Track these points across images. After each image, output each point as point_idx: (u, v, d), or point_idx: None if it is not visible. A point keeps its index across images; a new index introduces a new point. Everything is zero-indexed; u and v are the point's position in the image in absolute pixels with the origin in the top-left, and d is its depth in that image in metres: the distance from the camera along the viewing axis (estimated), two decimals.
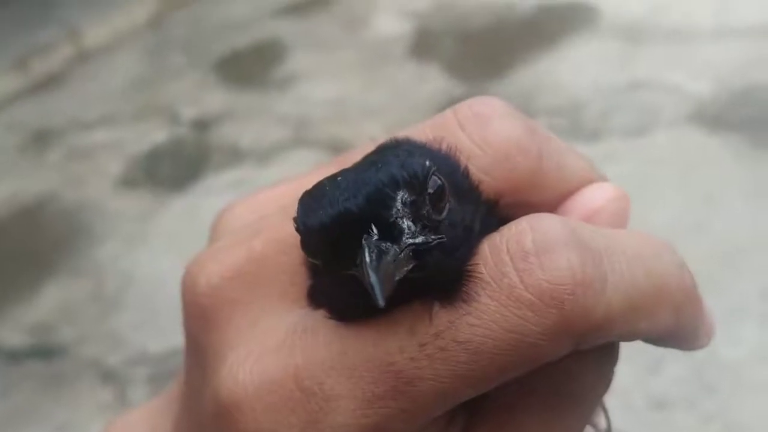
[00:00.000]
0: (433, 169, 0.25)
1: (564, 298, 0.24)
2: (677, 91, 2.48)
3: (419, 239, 0.24)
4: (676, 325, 0.28)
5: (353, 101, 2.83)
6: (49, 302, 2.27)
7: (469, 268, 0.26)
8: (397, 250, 0.23)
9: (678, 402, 1.63)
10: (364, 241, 0.23)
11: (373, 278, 0.23)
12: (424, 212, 0.25)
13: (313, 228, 0.25)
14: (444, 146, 0.29)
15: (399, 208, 0.24)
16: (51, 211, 2.68)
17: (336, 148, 2.45)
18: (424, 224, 0.25)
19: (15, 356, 2.14)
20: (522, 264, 0.25)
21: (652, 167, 2.20)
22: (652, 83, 2.55)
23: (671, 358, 1.68)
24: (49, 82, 3.55)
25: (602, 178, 0.32)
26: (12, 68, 3.55)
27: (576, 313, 0.25)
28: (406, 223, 0.24)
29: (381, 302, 0.23)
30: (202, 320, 0.30)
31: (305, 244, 0.26)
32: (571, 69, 2.75)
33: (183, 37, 3.72)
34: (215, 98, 3.13)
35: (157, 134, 2.98)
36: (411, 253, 0.24)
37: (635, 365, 1.68)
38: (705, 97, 2.42)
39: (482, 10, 3.26)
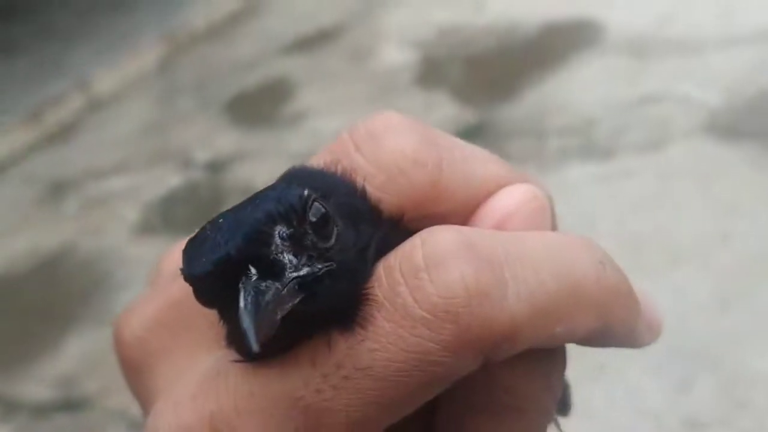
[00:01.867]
0: (312, 197, 0.25)
1: (458, 312, 0.24)
2: (688, 103, 2.46)
3: (303, 271, 0.24)
4: (605, 325, 0.27)
5: None
6: (73, 354, 2.27)
7: (365, 291, 0.25)
8: (279, 286, 0.23)
9: (713, 422, 1.60)
10: (240, 285, 0.23)
11: (246, 323, 0.22)
12: (308, 242, 0.24)
13: (198, 276, 0.24)
14: (339, 169, 0.28)
15: (278, 243, 0.24)
16: (70, 262, 2.69)
17: None
18: (310, 254, 0.24)
19: (41, 410, 2.13)
20: (413, 281, 0.24)
21: (669, 181, 2.18)
22: (662, 96, 2.54)
23: (699, 375, 1.65)
24: (62, 133, 3.59)
25: (518, 180, 0.30)
26: (25, 121, 3.59)
27: (474, 325, 0.24)
28: (287, 258, 0.24)
29: (255, 347, 0.22)
30: (132, 372, 0.31)
31: (196, 293, 0.25)
32: (579, 87, 2.74)
33: (192, 80, 3.75)
34: (227, 139, 3.15)
35: (171, 179, 3.00)
36: (296, 287, 0.23)
37: (663, 386, 1.66)
38: (717, 106, 2.40)
39: (486, 35, 3.27)
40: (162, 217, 2.81)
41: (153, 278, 0.34)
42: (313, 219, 0.25)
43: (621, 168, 2.26)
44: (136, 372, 0.30)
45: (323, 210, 0.25)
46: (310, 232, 0.24)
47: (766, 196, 2.02)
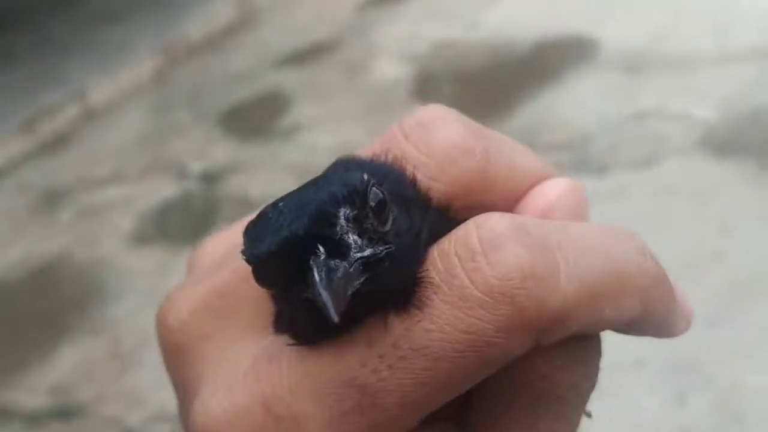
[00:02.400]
0: (372, 181, 0.26)
1: (514, 293, 0.24)
2: (683, 119, 2.48)
3: (367, 252, 0.24)
4: (645, 311, 0.28)
5: (358, 146, 2.77)
6: (67, 363, 2.26)
7: (421, 274, 0.26)
8: (347, 265, 0.24)
9: None
10: (312, 262, 0.23)
11: (324, 296, 0.23)
12: (369, 225, 0.25)
13: (262, 257, 0.25)
14: (390, 158, 0.29)
15: (343, 224, 0.25)
16: (64, 271, 2.68)
17: None
18: (371, 237, 0.25)
19: (35, 418, 2.12)
20: (470, 264, 0.25)
21: (664, 197, 2.20)
22: (657, 113, 2.56)
23: (696, 387, 1.66)
24: (57, 143, 3.58)
25: (556, 175, 0.32)
26: (20, 130, 3.59)
27: (529, 307, 0.24)
28: (352, 238, 0.24)
29: (335, 318, 0.23)
30: (176, 356, 0.31)
31: (257, 275, 0.26)
32: (574, 104, 2.76)
33: (187, 92, 3.76)
34: (222, 151, 3.15)
35: (166, 189, 3.00)
36: (361, 267, 0.24)
37: (658, 400, 1.67)
38: (712, 123, 2.42)
39: (481, 50, 3.30)
40: (156, 227, 2.80)
41: (189, 271, 0.35)
42: (372, 203, 0.25)
43: (615, 184, 2.28)
44: (179, 357, 0.31)
45: (381, 195, 0.26)
46: (370, 215, 0.25)
47: (760, 213, 2.04)
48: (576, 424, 0.29)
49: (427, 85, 3.19)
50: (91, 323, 2.39)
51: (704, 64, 2.74)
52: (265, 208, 0.26)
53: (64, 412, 2.11)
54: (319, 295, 0.23)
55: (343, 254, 0.24)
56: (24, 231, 2.99)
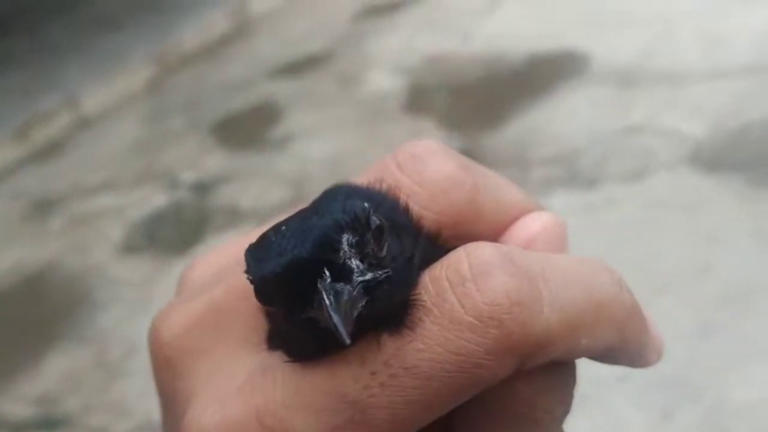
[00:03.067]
0: (371, 209, 0.27)
1: (502, 318, 0.26)
2: (673, 134, 2.50)
3: (368, 276, 0.26)
4: (621, 341, 0.29)
5: (351, 158, 2.86)
6: (54, 372, 2.26)
7: (413, 297, 0.27)
8: (350, 288, 0.25)
9: None
10: (320, 285, 0.25)
11: (336, 319, 0.24)
12: (368, 251, 0.26)
13: (266, 278, 0.26)
14: (384, 186, 0.31)
15: (346, 249, 0.26)
16: (53, 279, 2.67)
17: None
18: (370, 262, 0.26)
19: (21, 429, 2.11)
20: (460, 289, 0.26)
21: (652, 211, 2.21)
22: (646, 127, 2.58)
23: (681, 404, 1.66)
24: (50, 150, 3.58)
25: (539, 209, 0.33)
26: (13, 137, 3.58)
27: (515, 331, 0.26)
28: (354, 263, 0.26)
29: (347, 341, 0.24)
30: (167, 370, 0.31)
31: (260, 294, 0.27)
32: (564, 117, 2.77)
33: (181, 101, 3.76)
34: (214, 161, 3.16)
35: (157, 198, 3.00)
36: (362, 290, 0.25)
37: (646, 415, 1.67)
38: (701, 138, 2.44)
39: (474, 64, 3.31)
40: (146, 236, 2.80)
41: (179, 288, 0.36)
42: (372, 230, 0.27)
43: (605, 197, 2.29)
44: (171, 371, 0.31)
45: (379, 222, 0.27)
46: (370, 241, 0.27)
47: (748, 228, 2.05)
48: None
49: (420, 97, 3.20)
50: (78, 332, 2.38)
51: (694, 79, 2.75)
52: (267, 231, 0.27)
53: (51, 423, 2.11)
54: (330, 317, 0.24)
55: (346, 278, 0.25)
56: (15, 238, 2.99)
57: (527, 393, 0.28)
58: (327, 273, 0.25)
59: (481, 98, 3.09)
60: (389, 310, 0.27)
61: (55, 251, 2.81)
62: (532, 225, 0.32)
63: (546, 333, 0.26)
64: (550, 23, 3.44)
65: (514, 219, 0.33)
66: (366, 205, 0.27)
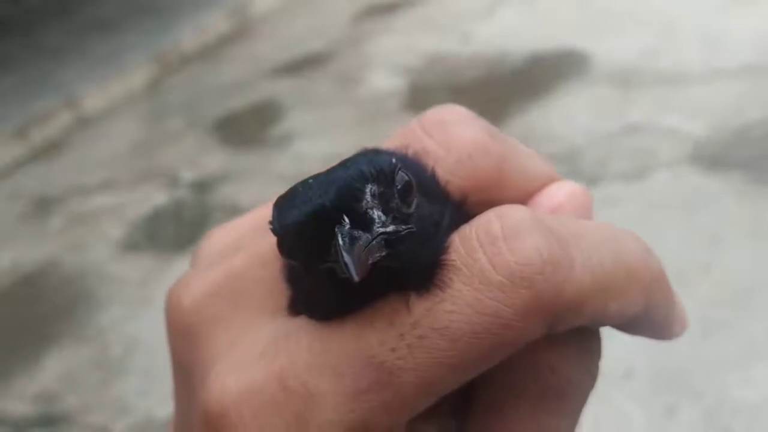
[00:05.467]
0: (399, 165, 0.27)
1: (533, 278, 0.25)
2: (673, 133, 2.50)
3: (390, 228, 0.25)
4: (647, 308, 0.29)
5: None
6: (53, 370, 2.25)
7: (442, 257, 0.27)
8: (369, 237, 0.25)
9: None
10: (337, 230, 0.24)
11: (346, 258, 0.24)
12: (393, 205, 0.26)
13: (289, 227, 0.26)
14: (411, 151, 0.30)
15: (368, 199, 0.26)
16: (53, 277, 2.67)
17: None
18: (395, 216, 0.26)
19: (20, 426, 2.11)
20: (491, 249, 0.26)
21: (653, 210, 2.20)
22: (647, 127, 2.58)
23: (684, 400, 1.66)
24: (50, 150, 3.58)
25: (563, 179, 0.33)
26: (12, 137, 3.58)
27: (547, 292, 0.25)
28: (376, 213, 0.25)
29: (356, 277, 0.23)
30: (187, 338, 0.31)
31: (282, 245, 0.26)
32: (565, 117, 2.78)
33: (180, 101, 3.76)
34: (214, 159, 3.15)
35: (157, 197, 2.99)
36: (383, 242, 0.25)
37: (648, 413, 1.66)
38: (701, 137, 2.44)
39: (474, 63, 3.31)
40: (146, 235, 2.79)
41: (195, 259, 0.35)
42: (399, 186, 0.26)
43: (605, 196, 2.28)
44: (189, 338, 0.31)
45: (407, 178, 0.27)
46: (395, 196, 0.26)
47: (748, 227, 2.05)
48: (575, 423, 0.29)
49: (420, 97, 3.20)
50: (78, 331, 2.38)
51: (694, 79, 2.76)
52: (296, 184, 0.27)
53: (50, 420, 2.10)
54: (342, 257, 0.24)
55: (367, 227, 0.25)
56: (14, 237, 2.99)
57: (554, 359, 0.28)
58: (346, 220, 0.25)
59: (482, 98, 3.09)
60: (417, 270, 0.26)
61: (54, 250, 2.81)
62: (557, 193, 0.32)
63: (577, 295, 0.26)
64: (551, 23, 3.44)
65: (540, 188, 0.32)
66: (394, 160, 0.27)
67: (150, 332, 2.24)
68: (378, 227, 0.25)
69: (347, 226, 0.25)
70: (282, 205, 0.27)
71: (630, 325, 0.29)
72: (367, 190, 0.26)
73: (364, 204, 0.25)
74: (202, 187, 2.99)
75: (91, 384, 2.18)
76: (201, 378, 0.29)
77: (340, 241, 0.24)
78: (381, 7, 4.16)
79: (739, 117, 2.46)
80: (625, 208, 2.23)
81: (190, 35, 4.27)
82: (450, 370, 0.26)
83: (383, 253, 0.25)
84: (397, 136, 0.32)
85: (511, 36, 3.42)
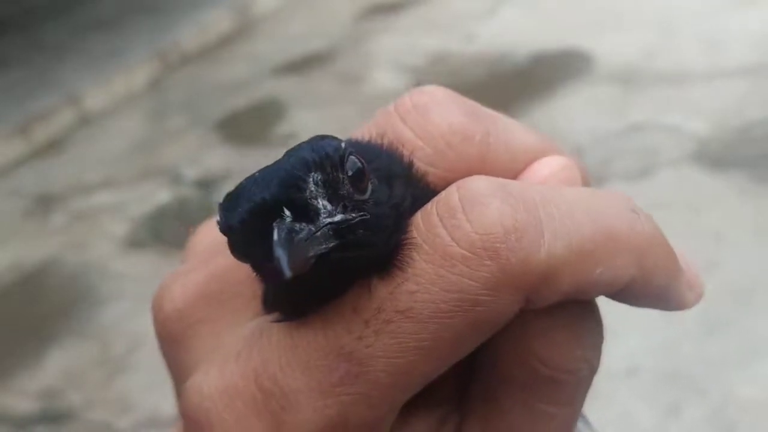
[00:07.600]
0: (349, 150, 0.25)
1: (497, 247, 0.24)
2: (676, 133, 2.50)
3: (338, 218, 0.24)
4: (642, 274, 0.26)
5: None
6: (56, 367, 2.25)
7: (403, 239, 0.25)
8: (312, 229, 0.23)
9: None
10: (274, 224, 0.23)
11: (278, 252, 0.22)
12: (344, 192, 0.25)
13: (234, 227, 0.24)
14: (385, 142, 0.28)
15: (312, 189, 0.24)
16: (55, 275, 2.67)
17: None
18: (345, 204, 0.24)
19: (24, 423, 2.10)
20: (450, 221, 0.25)
21: (656, 209, 2.14)
22: (650, 126, 2.58)
23: (688, 400, 1.66)
24: (51, 147, 3.58)
25: (554, 151, 0.31)
26: (14, 135, 3.58)
27: (513, 261, 0.24)
28: (321, 203, 0.24)
29: (287, 272, 0.22)
30: (171, 342, 0.30)
31: (232, 246, 0.25)
32: (568, 116, 2.77)
33: (183, 99, 3.76)
34: (217, 157, 3.15)
35: (160, 195, 2.99)
36: (330, 232, 0.23)
37: (652, 410, 1.66)
38: (704, 136, 2.44)
39: (477, 63, 3.31)
40: (149, 232, 2.79)
41: (185, 257, 0.34)
42: (350, 172, 0.25)
43: None
44: (173, 342, 0.30)
45: (359, 164, 0.25)
46: (346, 183, 0.25)
47: (752, 225, 2.05)
48: (576, 411, 0.28)
49: None
50: (81, 328, 2.38)
51: (696, 79, 2.76)
52: (243, 179, 0.25)
53: (53, 417, 2.10)
54: (274, 252, 0.22)
55: (311, 219, 0.23)
56: (16, 235, 2.98)
57: (538, 344, 0.26)
58: (287, 213, 0.23)
59: (484, 98, 2.98)
60: (377, 255, 0.25)
61: (56, 248, 2.81)
62: (541, 171, 0.30)
63: (549, 262, 0.24)
64: (553, 23, 3.44)
65: (527, 165, 0.30)
66: (342, 144, 0.25)
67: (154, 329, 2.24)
68: (324, 217, 0.24)
69: (287, 219, 0.23)
70: (227, 204, 0.25)
71: (627, 294, 0.27)
72: (310, 178, 0.24)
73: (307, 194, 0.24)
74: (206, 184, 2.99)
75: (94, 381, 2.18)
76: (185, 381, 0.29)
77: (275, 236, 0.22)
78: (383, 7, 4.16)
79: (741, 116, 2.46)
80: None
81: (191, 34, 4.27)
82: (423, 354, 0.24)
83: (331, 244, 0.23)
84: (373, 123, 0.30)
85: (513, 36, 3.43)
